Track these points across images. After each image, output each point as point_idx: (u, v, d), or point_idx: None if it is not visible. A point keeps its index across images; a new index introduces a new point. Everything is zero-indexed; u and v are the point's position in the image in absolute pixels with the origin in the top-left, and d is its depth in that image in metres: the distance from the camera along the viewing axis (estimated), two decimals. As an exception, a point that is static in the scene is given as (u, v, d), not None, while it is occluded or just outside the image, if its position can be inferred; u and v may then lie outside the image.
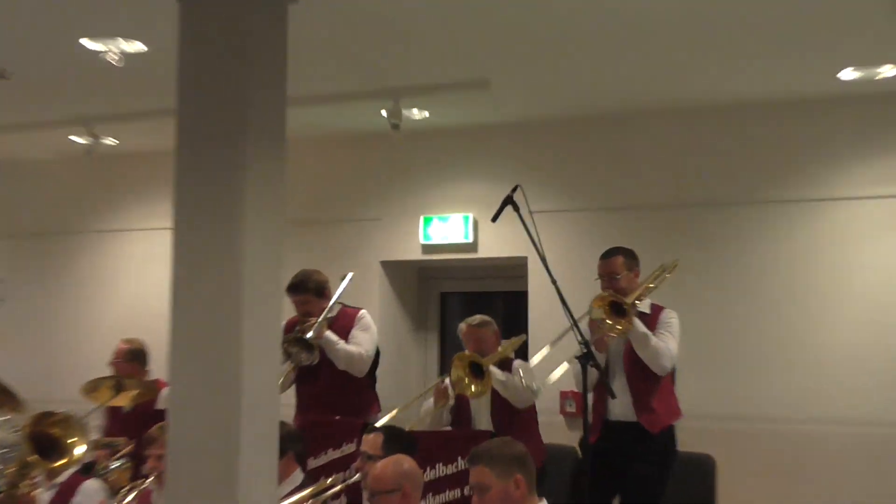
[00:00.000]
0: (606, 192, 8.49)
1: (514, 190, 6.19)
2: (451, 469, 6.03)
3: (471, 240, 8.90)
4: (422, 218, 9.07)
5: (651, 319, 6.86)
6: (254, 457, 4.73)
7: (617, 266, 6.90)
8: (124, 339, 8.46)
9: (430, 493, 5.77)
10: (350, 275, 7.73)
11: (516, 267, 8.65)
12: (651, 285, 6.97)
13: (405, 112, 7.73)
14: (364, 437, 6.05)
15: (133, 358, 8.33)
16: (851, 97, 7.68)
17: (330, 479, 6.14)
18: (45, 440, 6.01)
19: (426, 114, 8.26)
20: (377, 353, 7.58)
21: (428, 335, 9.59)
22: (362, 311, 7.66)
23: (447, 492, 6.00)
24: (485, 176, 8.72)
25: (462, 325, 7.52)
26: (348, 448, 6.44)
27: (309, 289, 7.52)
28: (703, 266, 8.12)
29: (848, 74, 7.19)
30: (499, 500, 4.65)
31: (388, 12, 5.88)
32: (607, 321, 6.56)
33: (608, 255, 6.94)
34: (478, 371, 7.05)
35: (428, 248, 9.09)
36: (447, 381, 7.24)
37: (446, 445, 6.21)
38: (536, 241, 6.08)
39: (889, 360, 7.62)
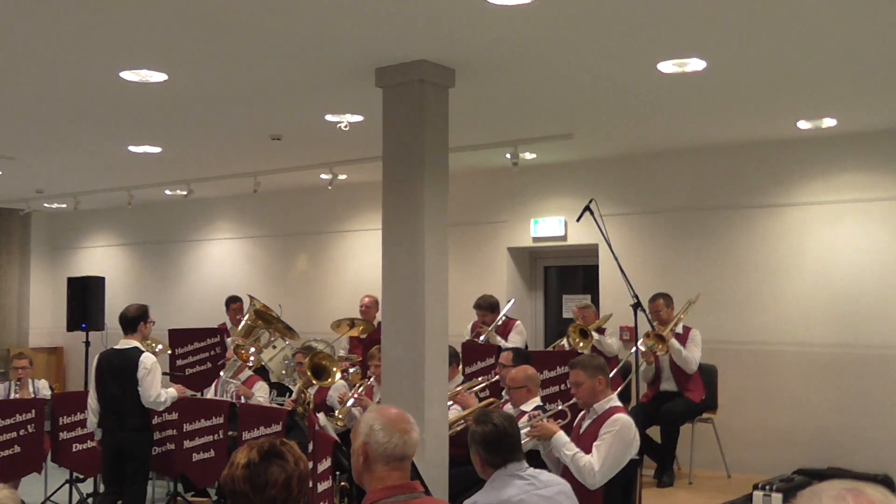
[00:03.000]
0: (645, 201, 8.19)
1: (590, 202, 6.13)
2: (553, 373, 6.05)
3: (563, 233, 8.68)
4: (532, 220, 8.88)
5: (684, 337, 6.86)
6: (433, 366, 4.90)
7: (659, 306, 6.91)
8: (368, 295, 8.38)
9: (542, 388, 5.70)
10: (513, 301, 7.97)
11: (591, 250, 8.47)
12: (682, 315, 6.97)
13: (521, 154, 7.61)
14: (501, 354, 6.07)
15: (378, 308, 8.37)
16: (803, 140, 7.30)
17: (479, 379, 6.29)
18: (318, 367, 6.37)
19: (534, 155, 8.09)
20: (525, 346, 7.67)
21: (536, 293, 9.41)
22: (518, 322, 7.68)
23: (551, 387, 6.00)
24: (572, 193, 8.49)
25: (574, 307, 7.65)
26: (490, 361, 6.43)
27: (485, 307, 7.56)
28: (709, 246, 7.82)
29: (802, 124, 6.78)
30: (588, 391, 4.55)
31: (511, 93, 5.75)
32: (658, 346, 6.71)
33: (654, 300, 6.94)
34: (584, 335, 7.12)
35: (536, 239, 8.90)
36: (565, 341, 7.35)
37: (549, 360, 6.20)
38: (605, 233, 6.03)
39: (828, 305, 7.24)
